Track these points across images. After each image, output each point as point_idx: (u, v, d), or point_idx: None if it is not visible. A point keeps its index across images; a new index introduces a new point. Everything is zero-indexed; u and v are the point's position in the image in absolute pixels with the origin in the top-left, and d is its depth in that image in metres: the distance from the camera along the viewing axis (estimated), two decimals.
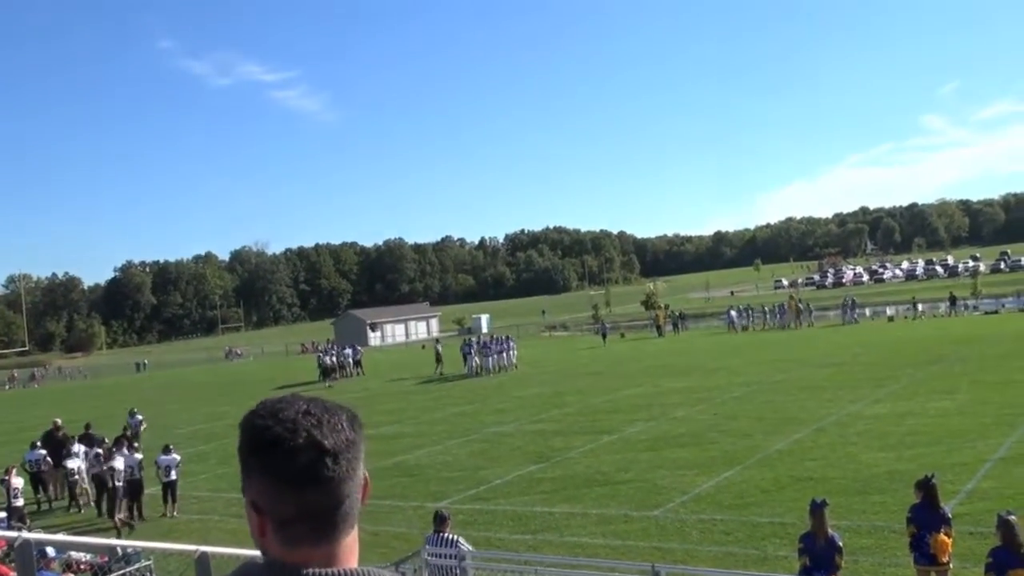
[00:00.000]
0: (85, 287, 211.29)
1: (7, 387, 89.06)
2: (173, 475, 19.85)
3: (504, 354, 46.78)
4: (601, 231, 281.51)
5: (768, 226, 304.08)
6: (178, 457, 20.43)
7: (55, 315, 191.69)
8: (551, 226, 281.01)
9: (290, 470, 1.54)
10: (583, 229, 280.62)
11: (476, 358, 46.08)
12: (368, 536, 15.97)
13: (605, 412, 27.94)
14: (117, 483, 19.01)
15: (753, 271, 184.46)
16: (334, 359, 54.07)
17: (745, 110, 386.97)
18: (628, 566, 9.61)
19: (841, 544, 9.33)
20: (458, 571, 9.00)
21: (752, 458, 19.17)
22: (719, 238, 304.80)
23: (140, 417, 29.60)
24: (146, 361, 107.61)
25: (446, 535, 10.74)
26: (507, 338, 48.95)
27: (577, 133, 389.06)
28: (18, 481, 19.11)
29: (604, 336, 64.74)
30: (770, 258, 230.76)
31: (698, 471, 18.45)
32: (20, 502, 18.78)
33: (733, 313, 66.29)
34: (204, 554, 6.83)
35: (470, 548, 10.92)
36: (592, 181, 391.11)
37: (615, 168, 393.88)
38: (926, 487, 9.78)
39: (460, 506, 17.16)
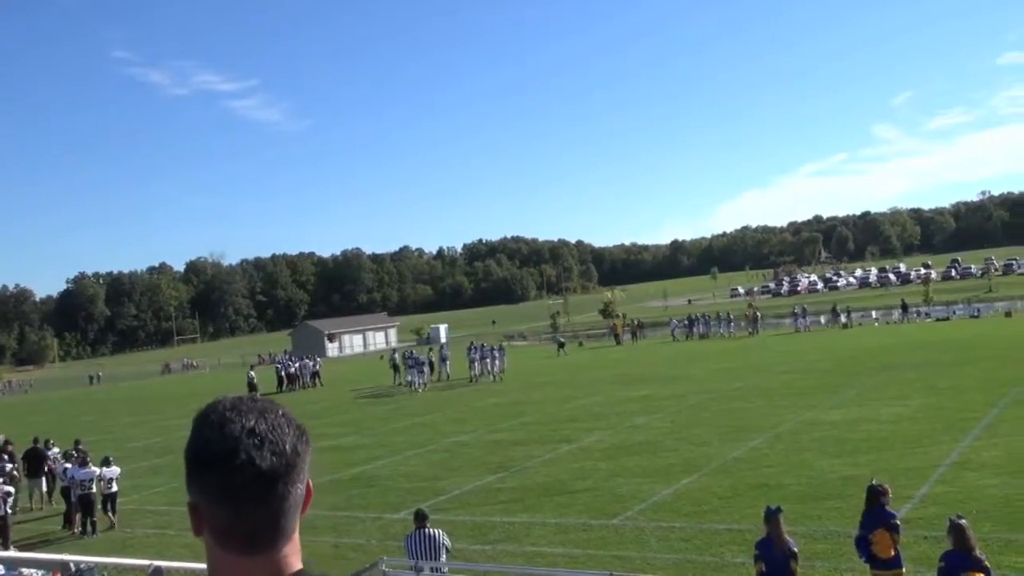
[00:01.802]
0: (37, 299, 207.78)
1: None
2: (114, 487, 19.55)
3: (493, 360, 47.25)
4: (559, 240, 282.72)
5: (724, 235, 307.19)
6: (118, 469, 20.11)
7: (6, 327, 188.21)
8: (509, 236, 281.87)
9: (226, 489, 1.54)
10: (541, 238, 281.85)
11: (478, 364, 45.54)
12: (328, 548, 15.86)
13: (564, 421, 28.01)
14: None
15: (710, 280, 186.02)
16: (295, 369, 53.74)
17: (701, 120, 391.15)
18: (587, 575, 9.63)
19: (796, 550, 9.42)
20: None
21: (709, 466, 19.31)
22: (676, 247, 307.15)
23: (56, 450, 24.94)
24: (99, 374, 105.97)
25: (427, 530, 10.79)
26: (499, 347, 49.31)
27: (535, 143, 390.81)
28: None
29: (561, 346, 64.69)
30: (727, 267, 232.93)
31: (656, 479, 18.54)
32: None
33: (675, 321, 67.74)
34: (158, 568, 6.78)
35: (449, 544, 11.01)
36: (550, 191, 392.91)
37: (573, 178, 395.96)
38: (867, 492, 10.01)
39: None
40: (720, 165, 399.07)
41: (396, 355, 49.39)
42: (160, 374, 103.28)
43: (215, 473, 1.54)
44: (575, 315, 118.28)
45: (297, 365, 56.00)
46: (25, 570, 14.37)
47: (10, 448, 23.69)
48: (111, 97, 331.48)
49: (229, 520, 1.55)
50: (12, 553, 15.46)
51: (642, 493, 17.44)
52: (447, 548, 10.95)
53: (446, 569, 10.40)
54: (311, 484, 1.68)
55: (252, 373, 50.27)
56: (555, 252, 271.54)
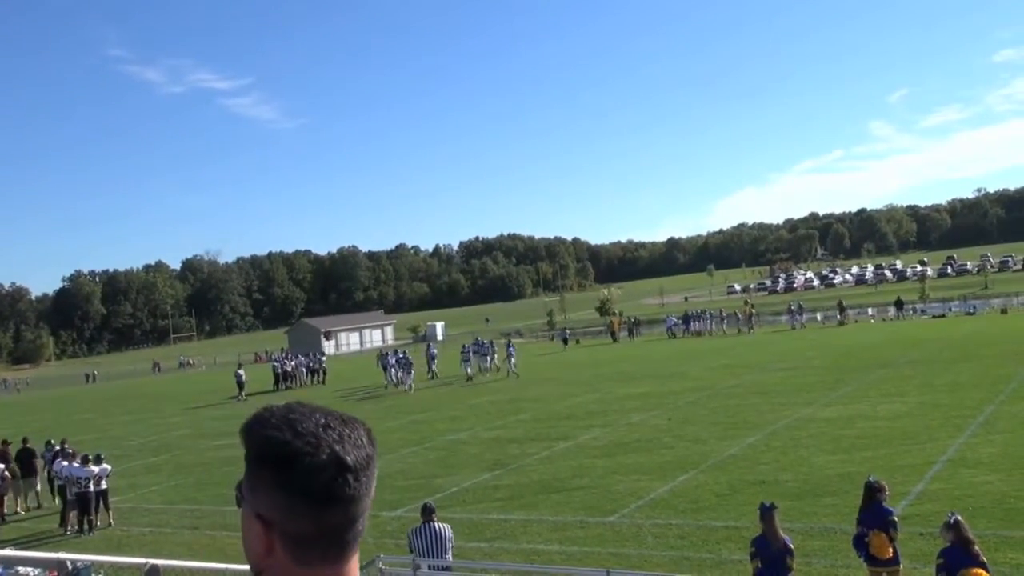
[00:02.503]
0: (33, 297, 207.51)
1: None
2: (104, 484, 19.52)
3: (492, 357, 48.06)
4: (555, 238, 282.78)
5: (720, 232, 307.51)
6: (108, 467, 20.04)
7: (2, 326, 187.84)
8: (506, 233, 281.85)
9: (311, 487, 1.44)
10: (537, 236, 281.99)
11: (472, 361, 45.38)
12: None
13: (560, 419, 28.02)
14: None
15: (706, 277, 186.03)
16: (292, 367, 53.68)
17: (697, 118, 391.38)
18: (584, 572, 9.63)
19: (792, 547, 9.44)
20: None
21: (706, 463, 19.32)
22: (672, 244, 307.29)
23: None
24: (95, 372, 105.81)
25: (434, 525, 10.80)
26: (490, 342, 49.42)
27: (531, 141, 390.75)
28: None
29: (565, 341, 66.28)
30: (723, 264, 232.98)
31: (653, 476, 18.55)
32: None
33: (672, 318, 67.97)
34: (154, 566, 6.77)
35: (452, 537, 11.03)
36: (546, 188, 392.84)
37: (569, 175, 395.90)
38: (864, 489, 10.03)
39: (415, 515, 17.00)
40: (716, 163, 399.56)
41: (390, 355, 48.94)
42: (152, 372, 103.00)
43: (298, 472, 1.44)
44: (571, 312, 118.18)
45: (294, 363, 55.90)
46: (21, 569, 14.35)
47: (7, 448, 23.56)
48: (106, 95, 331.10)
49: (312, 524, 1.45)
50: (9, 552, 15.44)
51: (639, 490, 17.45)
52: (452, 543, 10.97)
53: (451, 564, 10.39)
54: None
55: (240, 372, 49.84)
56: (552, 249, 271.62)
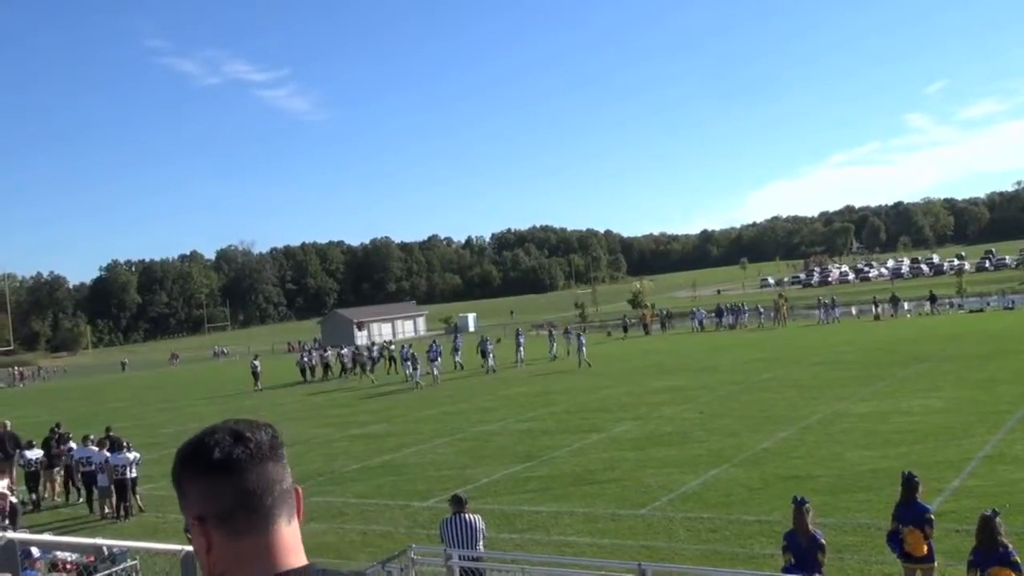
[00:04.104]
0: (70, 286, 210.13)
1: (13, 384, 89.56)
2: (133, 472, 19.75)
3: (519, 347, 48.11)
4: (588, 230, 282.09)
5: (754, 225, 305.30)
6: (137, 455, 20.25)
7: (40, 314, 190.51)
8: (538, 225, 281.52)
9: (216, 458, 1.68)
10: (569, 228, 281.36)
11: (491, 357, 45.25)
12: (356, 536, 15.99)
13: (592, 411, 27.99)
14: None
15: (740, 270, 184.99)
16: (336, 356, 53.29)
17: (731, 109, 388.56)
18: (615, 565, 9.63)
19: (824, 542, 9.37)
20: (446, 570, 9.01)
21: (738, 456, 19.23)
22: (705, 237, 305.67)
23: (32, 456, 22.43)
24: (126, 360, 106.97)
25: (465, 516, 10.82)
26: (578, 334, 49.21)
27: (564, 133, 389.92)
28: (2, 483, 18.92)
29: (625, 329, 67.80)
30: (756, 257, 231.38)
31: (684, 469, 18.49)
32: (15, 499, 18.59)
33: (702, 311, 67.74)
34: (189, 554, 6.82)
35: (484, 528, 11.04)
36: (579, 180, 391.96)
37: (602, 168, 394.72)
38: (902, 483, 9.92)
39: (446, 505, 17.04)
40: (751, 155, 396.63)
41: (406, 348, 48.34)
42: (168, 363, 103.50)
43: (203, 453, 1.70)
44: (603, 305, 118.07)
45: (338, 352, 55.18)
46: (60, 553, 14.58)
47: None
48: (144, 86, 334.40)
49: (231, 494, 1.67)
50: (47, 537, 15.67)
51: (671, 483, 17.40)
52: (483, 534, 10.99)
53: (482, 555, 10.42)
54: (298, 489, 1.80)
55: (256, 363, 50.02)
56: (584, 242, 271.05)
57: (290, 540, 1.72)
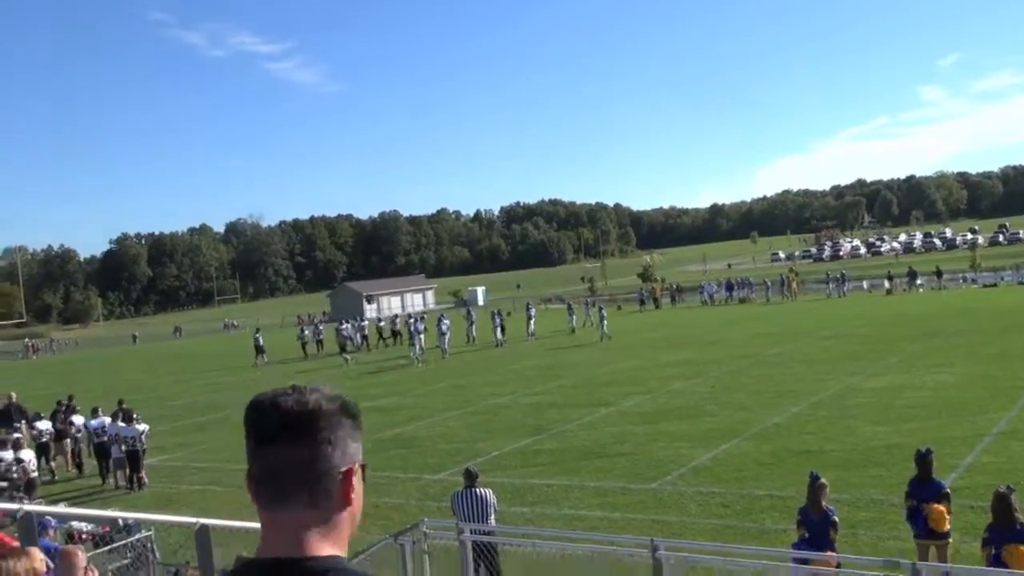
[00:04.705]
0: (81, 259, 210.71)
1: (26, 355, 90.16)
2: (143, 444, 19.84)
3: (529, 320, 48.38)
4: (597, 204, 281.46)
5: (765, 199, 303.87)
6: (146, 427, 20.27)
7: (52, 287, 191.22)
8: (547, 199, 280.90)
9: (249, 429, 1.69)
10: (579, 202, 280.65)
11: (499, 330, 45.18)
12: (368, 508, 15.94)
13: (602, 385, 27.97)
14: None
15: (750, 244, 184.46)
16: (350, 330, 52.86)
17: (741, 82, 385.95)
18: (627, 540, 9.60)
19: (836, 519, 9.34)
20: (458, 544, 9.01)
21: (749, 431, 19.20)
22: (716, 211, 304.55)
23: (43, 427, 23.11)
24: (136, 333, 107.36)
25: (476, 490, 10.82)
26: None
27: (573, 105, 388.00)
28: (27, 453, 19.00)
29: (643, 302, 67.93)
30: (767, 231, 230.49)
31: (695, 444, 18.47)
32: (35, 473, 18.69)
33: (712, 285, 67.57)
34: (204, 526, 6.84)
35: (496, 504, 11.06)
36: (588, 154, 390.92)
37: (611, 141, 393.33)
38: (918, 460, 9.85)
39: (457, 478, 17.07)
40: (761, 128, 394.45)
41: (413, 321, 47.90)
42: (172, 335, 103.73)
43: (247, 418, 1.69)
44: (612, 279, 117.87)
45: (347, 326, 54.24)
46: (75, 524, 14.67)
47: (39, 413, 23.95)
48: (150, 59, 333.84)
49: (252, 463, 1.68)
50: (63, 508, 15.76)
51: (681, 458, 17.39)
52: (495, 508, 10.99)
53: (494, 529, 10.42)
54: (355, 467, 1.71)
55: (259, 336, 49.76)
56: (593, 215, 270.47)
57: (305, 532, 1.72)
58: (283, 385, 1.77)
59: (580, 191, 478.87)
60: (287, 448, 1.65)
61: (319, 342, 51.26)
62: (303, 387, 1.72)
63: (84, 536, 13.73)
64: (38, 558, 4.38)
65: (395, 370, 38.09)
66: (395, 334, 48.94)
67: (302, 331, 52.89)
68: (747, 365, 29.56)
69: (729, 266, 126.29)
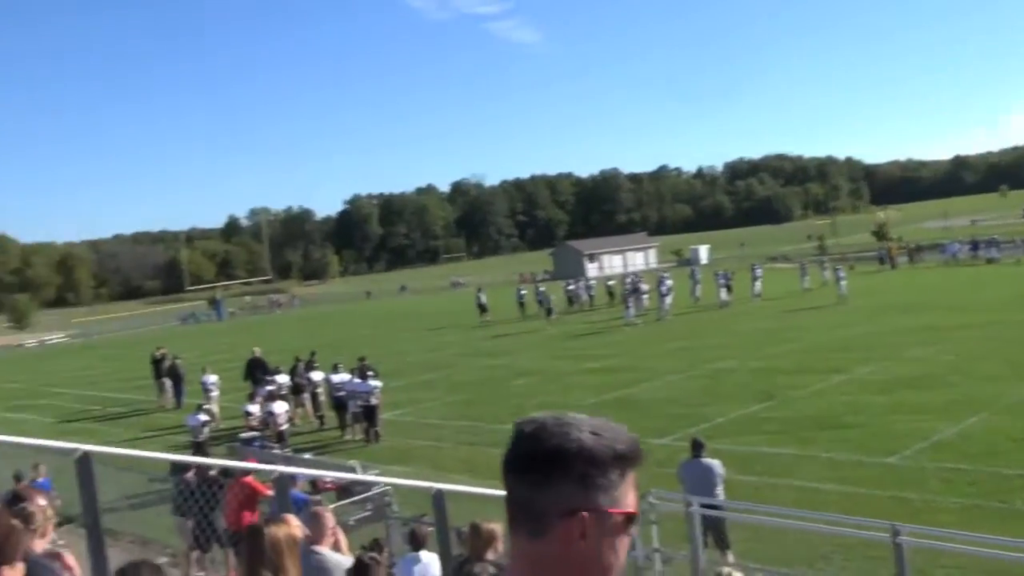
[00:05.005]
0: (318, 219, 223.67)
1: (271, 311, 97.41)
2: (373, 401, 20.68)
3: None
4: (827, 157, 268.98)
5: (1015, 149, 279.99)
6: (379, 383, 21.09)
7: (292, 246, 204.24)
8: (772, 153, 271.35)
9: (508, 452, 1.63)
10: (807, 155, 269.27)
11: (724, 290, 44.20)
12: None
13: (833, 350, 26.78)
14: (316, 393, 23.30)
15: (998, 198, 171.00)
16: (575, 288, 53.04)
17: (987, 21, 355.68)
18: (868, 523, 9.13)
19: None
20: (685, 515, 8.89)
21: (999, 404, 17.83)
22: (959, 162, 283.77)
23: (213, 378, 26.75)
24: (368, 290, 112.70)
25: (703, 460, 10.71)
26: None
27: (800, 52, 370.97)
28: (280, 406, 20.43)
29: (882, 262, 65.36)
30: (1018, 184, 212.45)
31: (937, 417, 17.34)
32: (284, 425, 20.07)
33: (956, 244, 62.91)
34: (439, 491, 7.10)
35: (723, 474, 10.91)
36: (816, 104, 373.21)
37: (842, 89, 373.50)
38: None
39: (681, 443, 16.85)
40: (1007, 71, 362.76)
41: (632, 280, 47.08)
42: (398, 292, 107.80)
43: (513, 443, 1.63)
44: (844, 237, 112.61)
45: (575, 286, 54.39)
46: (319, 473, 15.66)
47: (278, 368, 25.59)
48: (377, 23, 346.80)
49: (506, 486, 1.63)
50: (308, 457, 16.88)
51: (922, 431, 16.39)
52: (722, 479, 10.80)
53: (722, 503, 10.24)
54: (591, 516, 1.57)
55: (481, 294, 50.86)
56: (822, 169, 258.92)
57: (533, 563, 1.67)
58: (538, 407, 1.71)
59: (809, 144, 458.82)
60: (532, 481, 1.59)
61: (539, 302, 51.20)
62: (573, 421, 1.61)
63: (328, 485, 14.60)
64: (296, 525, 4.66)
65: (619, 330, 38.01)
66: (636, 291, 47.10)
67: (519, 290, 53.85)
68: (996, 332, 27.36)
69: (973, 223, 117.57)
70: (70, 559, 5.11)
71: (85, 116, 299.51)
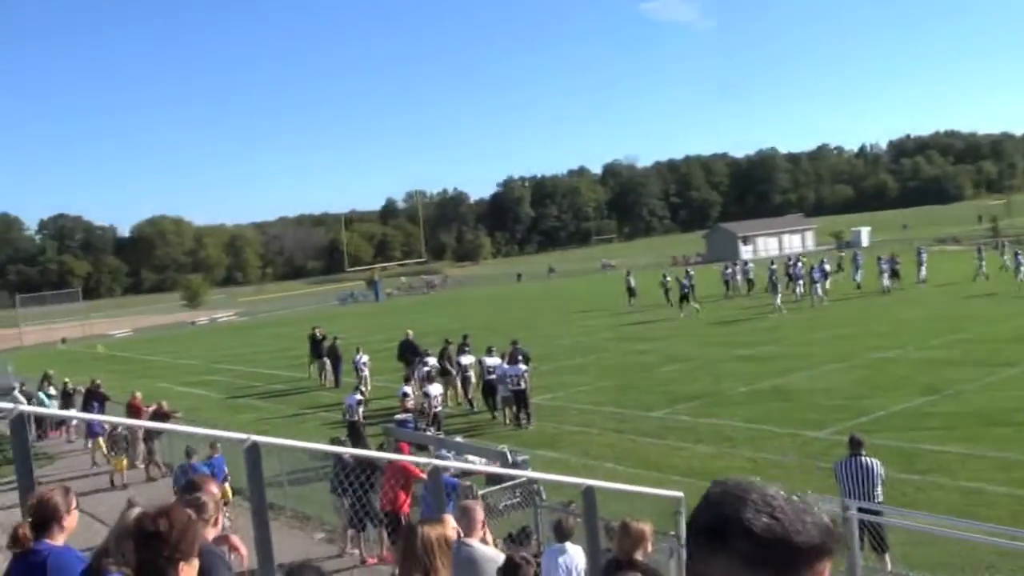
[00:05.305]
0: (471, 201, 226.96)
1: (425, 291, 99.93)
2: (522, 385, 20.77)
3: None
4: (1002, 134, 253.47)
5: None
6: (527, 367, 21.15)
7: (446, 227, 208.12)
8: (942, 130, 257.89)
9: (698, 524, 1.54)
10: (980, 132, 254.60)
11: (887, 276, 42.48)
12: (745, 462, 15.86)
13: (1007, 341, 25.24)
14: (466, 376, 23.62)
15: None
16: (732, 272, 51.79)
17: None
18: None
19: None
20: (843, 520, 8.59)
21: None
22: None
23: (365, 358, 27.84)
24: (519, 272, 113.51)
25: (862, 459, 10.34)
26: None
27: (970, 22, 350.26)
28: (435, 388, 20.92)
29: None
30: None
31: None
32: (439, 408, 20.54)
33: None
34: (590, 488, 7.11)
35: (884, 474, 10.51)
36: (992, 76, 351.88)
37: (1017, 60, 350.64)
38: None
39: (839, 437, 16.28)
40: None
41: (792, 264, 45.48)
42: (547, 276, 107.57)
43: (707, 514, 1.54)
44: (1018, 217, 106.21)
45: (731, 269, 53.00)
46: (470, 456, 15.96)
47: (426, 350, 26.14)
48: (524, 3, 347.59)
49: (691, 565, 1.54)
50: (459, 440, 17.21)
51: None
52: (882, 479, 10.39)
53: (882, 509, 9.84)
54: None
55: (630, 277, 50.41)
56: (997, 147, 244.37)
57: None
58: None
59: (982, 120, 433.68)
60: (700, 546, 1.50)
61: (681, 287, 49.75)
62: (754, 497, 1.48)
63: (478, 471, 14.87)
64: (451, 526, 4.75)
65: (774, 317, 37.00)
66: (797, 278, 44.92)
67: (664, 276, 52.77)
68: None
69: None
70: (237, 541, 5.38)
71: (253, 107, 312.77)
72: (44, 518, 3.72)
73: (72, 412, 21.31)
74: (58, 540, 3.77)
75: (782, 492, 1.50)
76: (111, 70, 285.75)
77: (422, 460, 9.01)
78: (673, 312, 40.61)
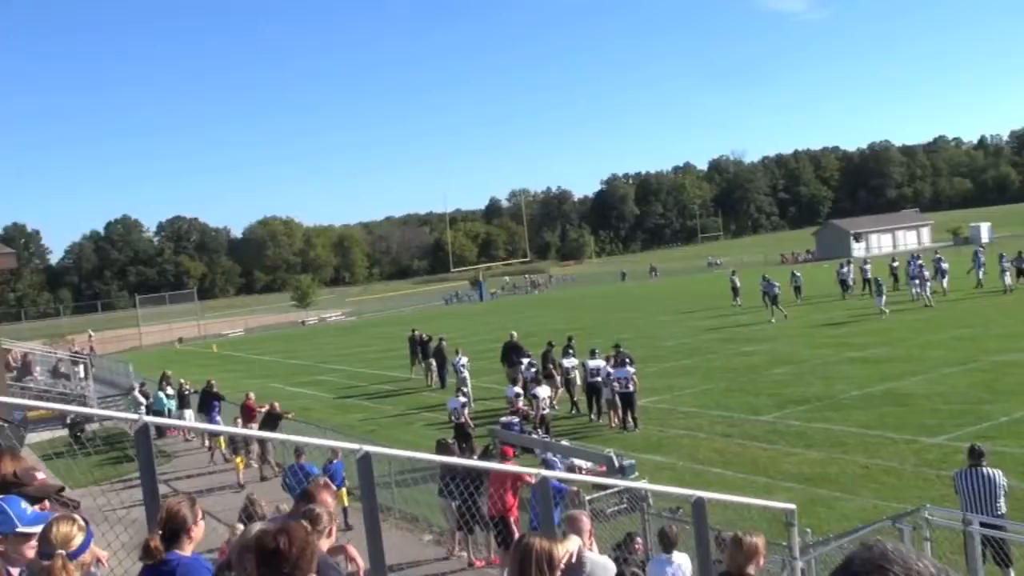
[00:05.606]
0: (575, 199, 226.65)
1: (529, 291, 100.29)
2: (630, 387, 20.59)
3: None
4: None
5: None
6: (632, 369, 20.97)
7: (550, 226, 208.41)
8: None
9: None
10: None
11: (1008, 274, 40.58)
12: (858, 468, 15.48)
13: None
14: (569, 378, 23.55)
15: None
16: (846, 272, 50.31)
17: None
18: None
19: None
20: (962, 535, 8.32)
21: None
22: None
23: (464, 360, 27.39)
24: (623, 271, 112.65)
25: (983, 470, 9.96)
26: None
27: None
28: (543, 390, 20.97)
29: None
30: None
31: None
32: (546, 410, 20.59)
33: None
34: (700, 499, 7.03)
35: (1006, 485, 10.08)
36: None
37: None
38: None
39: (958, 443, 15.73)
40: None
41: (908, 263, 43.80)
42: (649, 277, 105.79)
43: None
44: None
45: (846, 268, 51.15)
46: (576, 460, 15.98)
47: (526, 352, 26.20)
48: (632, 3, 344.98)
49: None
50: (565, 443, 17.23)
51: None
52: (1005, 491, 9.98)
53: (1006, 524, 9.46)
54: None
55: (735, 278, 49.04)
56: None
57: None
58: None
59: None
60: None
61: (763, 293, 44.49)
62: (895, 567, 1.46)
63: (583, 471, 14.87)
64: (571, 539, 4.77)
65: (889, 317, 35.83)
66: (919, 276, 42.91)
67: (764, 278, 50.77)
68: None
69: None
70: (354, 551, 5.52)
71: (362, 110, 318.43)
72: (173, 530, 3.90)
73: (191, 422, 22.13)
74: (187, 550, 3.94)
75: (931, 567, 1.46)
76: (227, 76, 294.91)
77: (524, 469, 9.06)
78: (776, 314, 39.59)
